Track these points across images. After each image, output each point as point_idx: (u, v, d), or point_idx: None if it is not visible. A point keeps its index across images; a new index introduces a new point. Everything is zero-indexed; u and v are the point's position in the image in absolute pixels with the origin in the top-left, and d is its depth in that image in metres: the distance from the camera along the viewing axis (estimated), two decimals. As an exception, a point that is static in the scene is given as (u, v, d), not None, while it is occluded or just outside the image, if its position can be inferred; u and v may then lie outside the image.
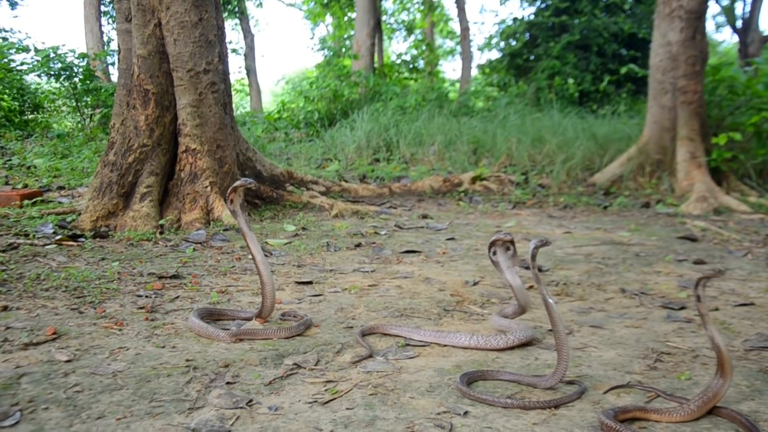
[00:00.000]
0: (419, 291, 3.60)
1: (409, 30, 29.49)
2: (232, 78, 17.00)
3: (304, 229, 5.42)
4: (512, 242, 2.78)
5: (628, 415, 2.02)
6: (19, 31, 19.85)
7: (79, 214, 5.17)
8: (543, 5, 18.86)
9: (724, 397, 2.06)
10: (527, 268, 4.18)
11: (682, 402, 2.09)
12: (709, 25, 32.44)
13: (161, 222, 5.12)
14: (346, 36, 26.89)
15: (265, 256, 4.37)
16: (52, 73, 11.05)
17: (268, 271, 2.90)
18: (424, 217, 6.32)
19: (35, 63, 11.10)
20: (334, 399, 2.14)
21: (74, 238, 4.60)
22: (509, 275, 2.78)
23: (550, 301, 2.29)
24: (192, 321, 2.83)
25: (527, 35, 19.04)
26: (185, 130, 5.42)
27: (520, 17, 19.66)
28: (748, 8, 20.53)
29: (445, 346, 2.72)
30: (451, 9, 32.75)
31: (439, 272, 4.07)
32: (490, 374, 2.36)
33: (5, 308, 3.00)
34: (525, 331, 2.75)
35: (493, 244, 2.75)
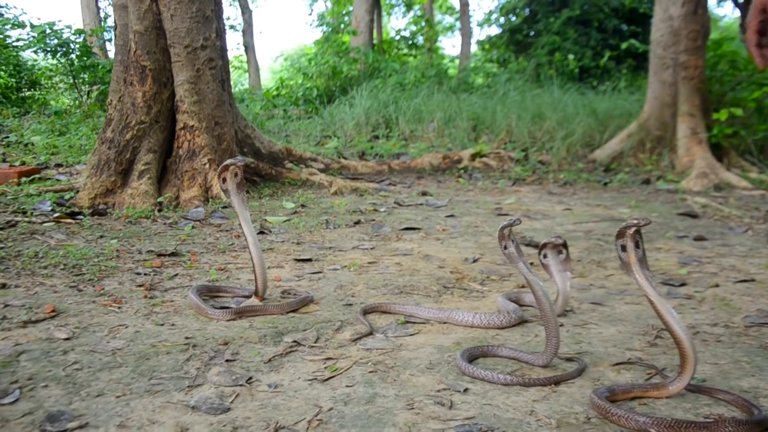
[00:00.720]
0: (419, 268, 3.59)
1: (408, 6, 29.24)
2: (230, 54, 16.84)
3: (303, 206, 5.40)
4: (565, 245, 2.74)
5: (630, 394, 2.02)
6: (15, 7, 19.70)
7: (77, 192, 5.15)
8: (543, -20, 18.68)
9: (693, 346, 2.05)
10: (528, 245, 4.17)
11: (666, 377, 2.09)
12: (711, 0, 32.19)
13: (160, 199, 5.10)
14: (344, 12, 26.67)
15: (264, 233, 4.37)
16: (49, 49, 10.95)
17: (258, 252, 2.87)
18: (424, 194, 6.30)
19: (31, 39, 11.00)
20: (334, 376, 2.13)
21: (72, 215, 4.58)
22: (559, 280, 2.75)
23: (533, 278, 2.26)
24: (191, 298, 2.83)
25: (527, 10, 18.88)
26: (183, 107, 5.38)
27: (520, -8, 19.49)
28: (750, -17, 20.32)
29: (445, 323, 2.72)
30: (450, -16, 32.45)
31: (438, 249, 4.06)
32: (490, 350, 2.36)
33: (3, 286, 2.99)
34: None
35: (543, 246, 2.71)
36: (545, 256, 2.72)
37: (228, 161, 2.89)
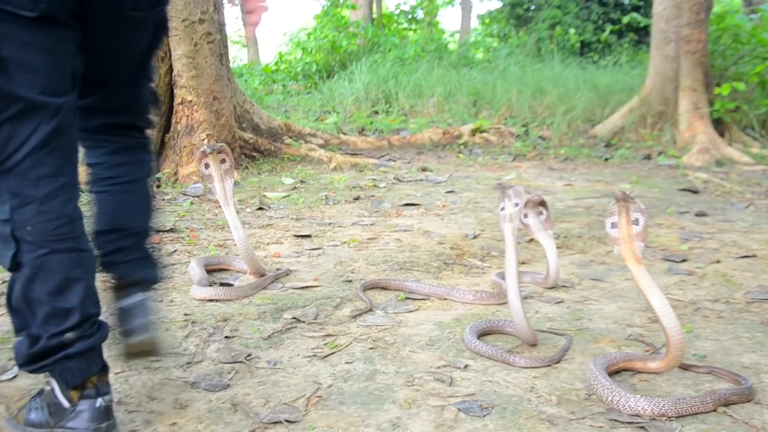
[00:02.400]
0: (419, 244, 3.57)
1: (408, -21, 28.91)
2: (229, 29, 16.65)
3: (302, 182, 5.37)
4: (544, 204, 2.74)
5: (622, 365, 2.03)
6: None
7: (75, 169, 5.12)
8: (545, -48, 18.44)
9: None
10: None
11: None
12: (714, -27, 31.78)
13: (158, 175, 5.07)
14: (344, -15, 26.39)
15: (263, 209, 4.35)
16: (45, 24, 10.83)
17: (243, 240, 2.81)
18: (424, 169, 6.28)
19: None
20: (334, 353, 2.13)
21: (70, 191, 4.55)
22: (543, 239, 2.74)
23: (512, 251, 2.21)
24: (192, 270, 2.85)
25: (528, -16, 18.67)
26: (181, 82, 5.33)
27: (521, -35, 19.24)
28: (754, -45, 20.08)
29: (445, 300, 2.71)
30: (450, -43, 32.03)
31: (438, 225, 4.04)
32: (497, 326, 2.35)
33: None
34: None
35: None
36: (525, 216, 2.74)
37: (205, 148, 2.76)
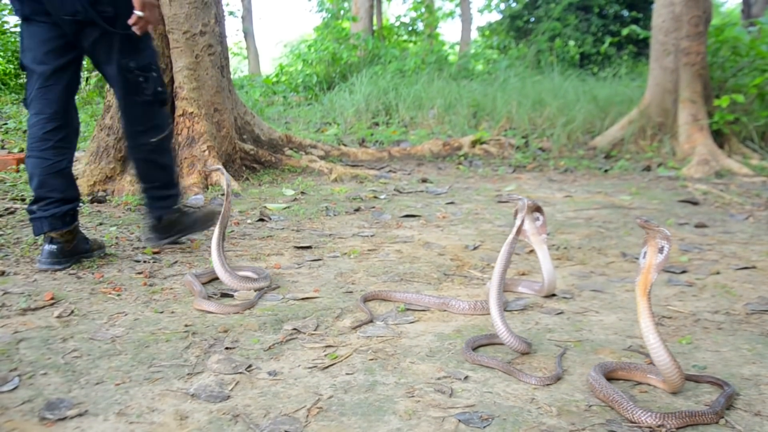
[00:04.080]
0: (419, 255, 3.58)
1: (408, -9, 28.99)
2: (230, 41, 16.69)
3: (303, 193, 5.38)
4: (540, 210, 2.75)
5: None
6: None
7: (76, 179, 5.12)
8: (544, -35, 18.54)
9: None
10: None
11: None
12: (713, -14, 31.85)
13: (159, 186, 5.07)
14: (344, -3, 26.47)
15: (264, 220, 4.35)
16: (47, 35, 10.85)
17: (222, 270, 2.87)
18: (424, 181, 6.29)
19: (29, 25, 10.90)
20: (334, 364, 2.13)
21: (71, 202, 4.55)
22: (536, 245, 2.75)
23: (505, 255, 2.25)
24: (188, 279, 2.86)
25: (528, -4, 18.76)
26: (182, 94, 5.35)
27: (520, -22, 19.35)
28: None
29: (444, 311, 2.71)
30: (450, -30, 32.18)
31: (438, 236, 4.05)
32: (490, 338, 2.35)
33: (2, 273, 2.98)
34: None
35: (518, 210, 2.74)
36: (521, 221, 2.75)
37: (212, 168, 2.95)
